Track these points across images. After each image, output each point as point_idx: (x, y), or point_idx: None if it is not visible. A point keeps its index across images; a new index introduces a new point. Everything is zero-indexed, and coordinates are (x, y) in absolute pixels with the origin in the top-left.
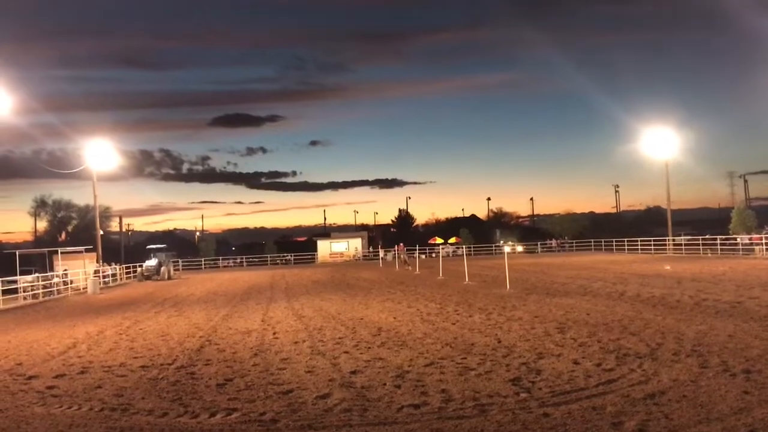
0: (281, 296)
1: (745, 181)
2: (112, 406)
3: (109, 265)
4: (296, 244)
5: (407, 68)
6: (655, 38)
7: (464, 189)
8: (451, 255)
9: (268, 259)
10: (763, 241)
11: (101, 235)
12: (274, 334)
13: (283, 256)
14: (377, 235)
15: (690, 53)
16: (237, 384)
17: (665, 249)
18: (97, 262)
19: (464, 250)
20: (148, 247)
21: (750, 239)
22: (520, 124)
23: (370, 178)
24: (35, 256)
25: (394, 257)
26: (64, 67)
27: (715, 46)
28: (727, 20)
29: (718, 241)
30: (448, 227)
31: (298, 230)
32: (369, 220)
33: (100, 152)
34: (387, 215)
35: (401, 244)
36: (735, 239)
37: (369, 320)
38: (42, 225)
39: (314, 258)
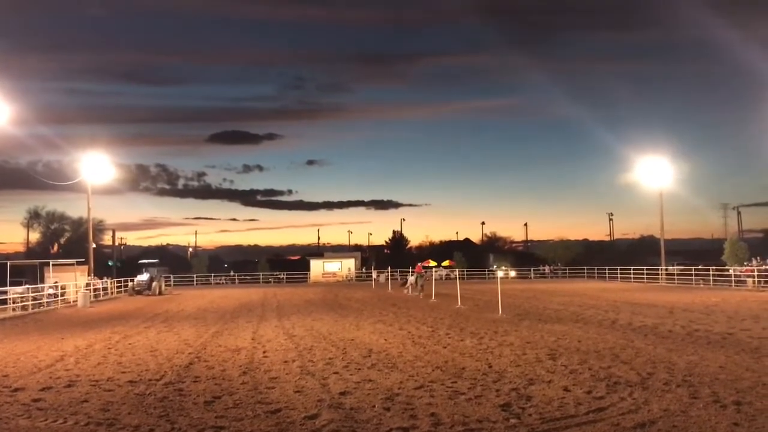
0: (272, 315)
1: (739, 213)
2: (98, 421)
3: (101, 278)
4: (289, 262)
5: (406, 91)
6: (652, 69)
7: (459, 212)
8: (443, 278)
9: (261, 277)
10: (755, 273)
11: (93, 248)
12: (264, 352)
13: (276, 275)
14: (371, 256)
15: (686, 84)
16: (225, 402)
17: (658, 278)
18: (89, 275)
19: (457, 273)
20: (141, 261)
21: (742, 272)
22: (517, 150)
23: (366, 199)
24: (26, 267)
25: (387, 279)
26: (62, 80)
27: (711, 78)
28: (724, 53)
29: (711, 272)
30: (442, 250)
31: (292, 249)
32: (363, 241)
33: (96, 165)
34: (381, 236)
35: (419, 265)
36: (727, 270)
37: (360, 341)
38: (34, 236)
39: (307, 277)
